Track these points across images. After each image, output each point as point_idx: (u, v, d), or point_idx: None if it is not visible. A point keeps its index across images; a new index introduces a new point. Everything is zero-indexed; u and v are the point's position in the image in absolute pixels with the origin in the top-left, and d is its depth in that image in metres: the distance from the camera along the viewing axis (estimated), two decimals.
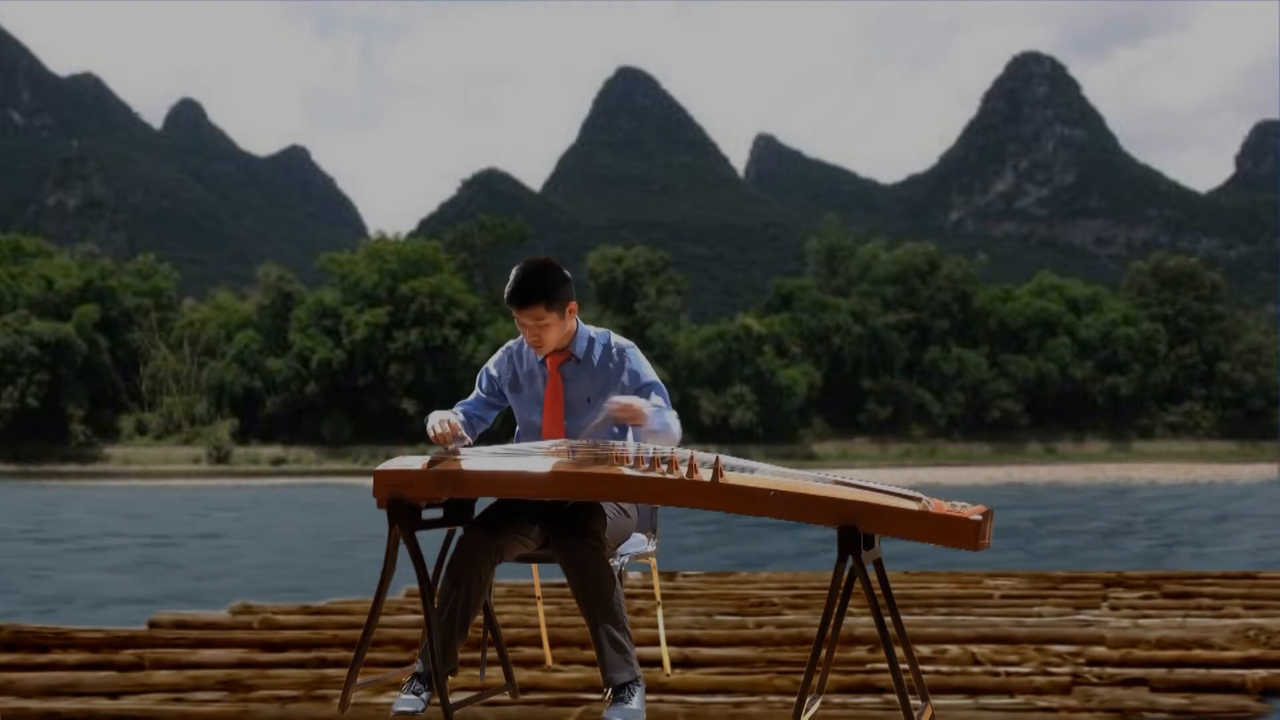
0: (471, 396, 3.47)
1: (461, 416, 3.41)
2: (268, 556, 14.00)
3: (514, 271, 3.26)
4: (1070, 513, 23.04)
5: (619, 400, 3.17)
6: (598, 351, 3.35)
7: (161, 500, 30.37)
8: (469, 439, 3.30)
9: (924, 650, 4.24)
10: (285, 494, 34.97)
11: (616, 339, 3.38)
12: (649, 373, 3.36)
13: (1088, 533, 17.62)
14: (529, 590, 5.83)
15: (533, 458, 3.10)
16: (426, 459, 3.13)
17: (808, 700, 2.92)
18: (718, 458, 2.90)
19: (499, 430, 3.60)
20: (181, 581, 10.88)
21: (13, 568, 12.46)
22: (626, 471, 2.95)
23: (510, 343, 3.48)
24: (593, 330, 3.39)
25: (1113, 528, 18.72)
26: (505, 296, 3.26)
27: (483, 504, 3.31)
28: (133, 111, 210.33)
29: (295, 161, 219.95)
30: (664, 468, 2.93)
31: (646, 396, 3.31)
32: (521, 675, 3.80)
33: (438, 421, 3.23)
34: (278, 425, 66.80)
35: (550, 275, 3.24)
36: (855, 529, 2.77)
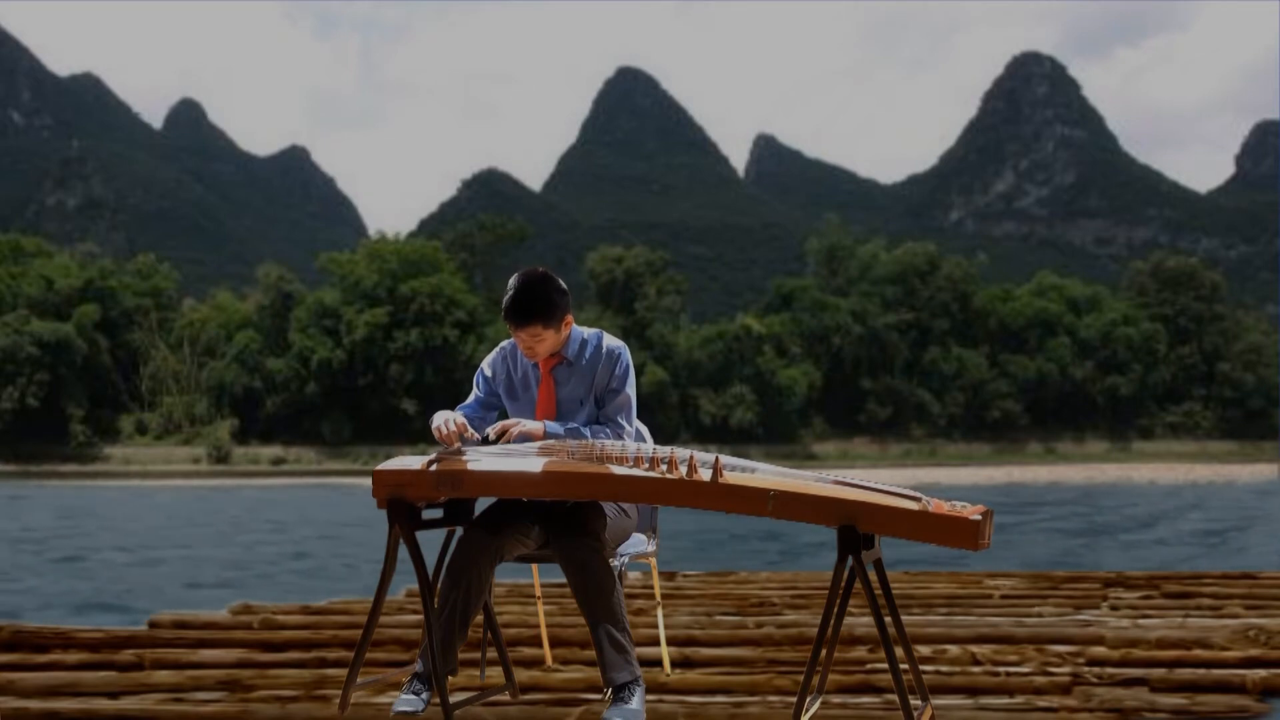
0: (470, 399, 3.46)
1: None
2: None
3: (511, 285, 3.24)
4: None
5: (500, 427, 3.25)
6: (588, 352, 3.35)
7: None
8: (477, 436, 3.30)
9: (924, 650, 4.24)
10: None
11: (608, 340, 3.38)
12: (621, 384, 3.35)
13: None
14: (529, 590, 5.83)
15: (531, 458, 3.10)
16: (426, 459, 3.12)
17: (808, 700, 2.92)
18: (717, 457, 2.89)
19: None
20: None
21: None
22: (626, 471, 2.95)
23: (504, 343, 3.47)
24: (585, 331, 3.39)
25: None
26: (503, 312, 3.24)
27: (483, 504, 3.30)
28: (133, 111, 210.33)
29: (295, 161, 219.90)
30: (664, 468, 2.93)
31: (605, 405, 3.34)
32: (521, 675, 3.80)
33: (443, 421, 3.22)
34: (278, 425, 66.75)
35: (548, 292, 3.22)
36: (855, 529, 2.77)
